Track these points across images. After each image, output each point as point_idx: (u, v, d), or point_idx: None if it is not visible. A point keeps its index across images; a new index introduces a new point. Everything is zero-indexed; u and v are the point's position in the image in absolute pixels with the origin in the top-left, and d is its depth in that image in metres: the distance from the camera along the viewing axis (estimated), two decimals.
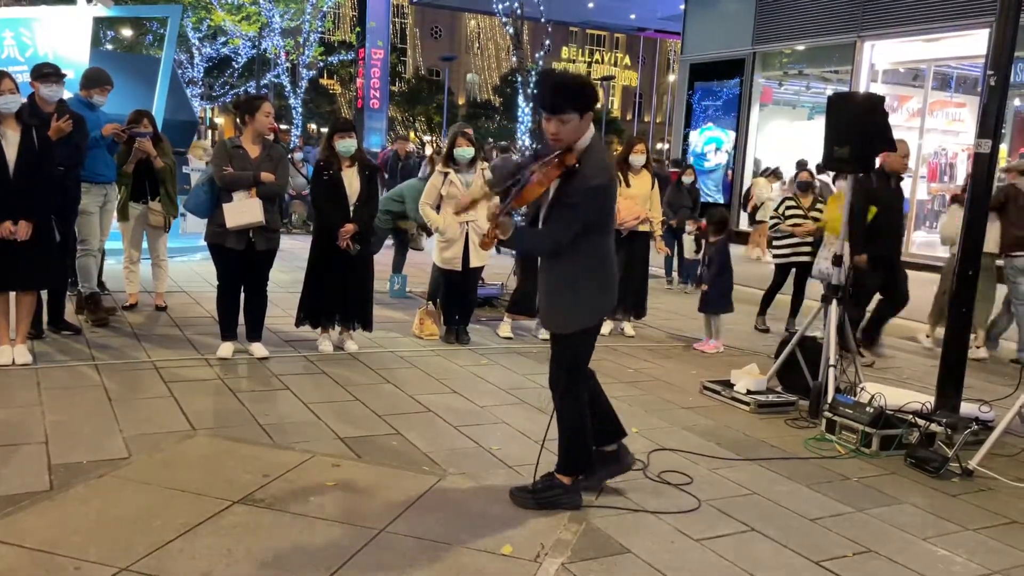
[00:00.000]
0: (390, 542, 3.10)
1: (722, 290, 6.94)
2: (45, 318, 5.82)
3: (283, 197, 9.63)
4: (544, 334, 6.91)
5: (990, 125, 4.75)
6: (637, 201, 6.93)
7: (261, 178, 5.38)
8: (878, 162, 5.90)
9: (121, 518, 3.14)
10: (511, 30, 8.52)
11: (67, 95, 6.28)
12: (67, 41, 9.19)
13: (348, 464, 3.86)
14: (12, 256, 4.97)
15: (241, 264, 5.52)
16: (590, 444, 3.61)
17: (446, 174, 6.44)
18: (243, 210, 5.38)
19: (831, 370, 5.09)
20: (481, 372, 5.75)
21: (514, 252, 8.03)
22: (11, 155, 4.94)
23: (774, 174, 14.51)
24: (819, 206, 7.72)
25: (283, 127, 28.51)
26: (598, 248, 3.44)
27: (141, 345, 5.81)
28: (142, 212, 6.88)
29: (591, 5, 23.58)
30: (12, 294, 5.17)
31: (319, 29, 26.32)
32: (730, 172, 17.02)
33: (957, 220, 7.30)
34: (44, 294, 5.68)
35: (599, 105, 4.05)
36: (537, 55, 9.14)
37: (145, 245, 7.13)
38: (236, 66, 28.55)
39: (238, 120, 5.84)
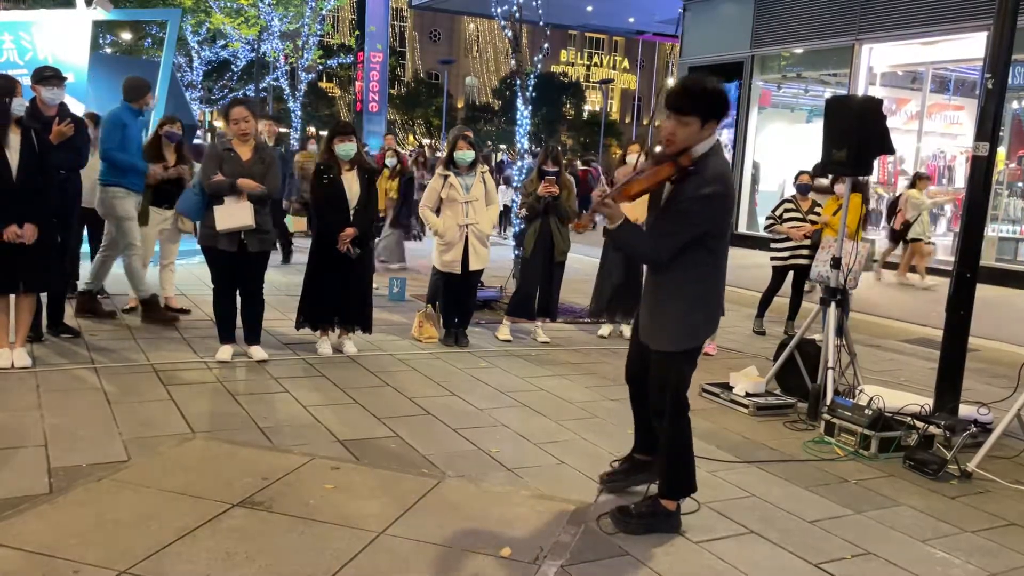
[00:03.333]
0: (389, 545, 3.10)
1: None
2: (44, 321, 5.82)
3: (279, 200, 9.66)
4: (544, 336, 6.92)
5: (988, 128, 4.77)
6: (640, 204, 6.91)
7: (239, 185, 5.36)
8: None
9: (120, 521, 3.14)
10: (509, 33, 8.50)
11: (69, 100, 6.29)
12: (66, 44, 9.21)
13: (347, 467, 3.86)
14: (12, 259, 4.98)
15: (234, 266, 5.52)
16: (693, 466, 3.48)
17: (446, 177, 6.45)
18: (233, 213, 5.39)
19: (830, 372, 5.10)
20: (480, 375, 5.75)
21: (516, 253, 8.04)
22: (14, 159, 4.95)
23: (922, 178, 12.04)
24: (817, 209, 7.74)
25: (282, 130, 28.47)
26: (714, 257, 3.27)
27: (140, 348, 5.81)
28: (167, 218, 6.87)
29: (589, 8, 23.58)
30: (11, 297, 5.17)
31: (318, 32, 26.33)
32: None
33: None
34: (43, 297, 5.68)
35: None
36: (536, 58, 9.12)
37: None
38: (235, 69, 28.57)
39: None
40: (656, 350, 3.38)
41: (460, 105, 53.42)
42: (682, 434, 3.45)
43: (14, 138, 4.97)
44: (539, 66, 10.04)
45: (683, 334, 3.32)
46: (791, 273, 7.86)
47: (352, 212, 5.75)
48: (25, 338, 5.26)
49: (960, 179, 14.75)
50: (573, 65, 61.17)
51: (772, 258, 8.03)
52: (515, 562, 3.04)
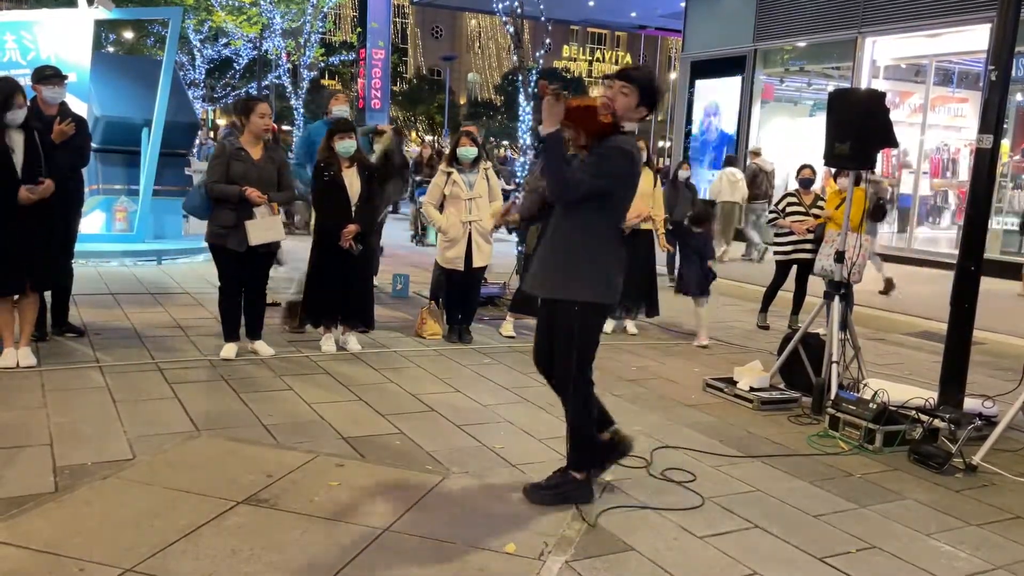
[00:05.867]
0: (394, 542, 3.11)
1: (701, 275, 6.97)
2: (49, 320, 5.83)
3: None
4: None
5: (991, 120, 4.75)
6: (640, 199, 6.91)
7: (247, 195, 5.34)
8: None
9: (125, 519, 3.15)
10: (511, 29, 8.51)
11: (65, 98, 6.27)
12: (68, 44, 9.21)
13: (351, 464, 3.86)
14: (16, 258, 4.98)
15: (242, 264, 5.53)
16: (597, 438, 3.61)
17: (449, 173, 6.44)
18: (267, 228, 5.46)
19: (834, 367, 5.09)
20: (484, 371, 5.76)
21: (519, 250, 8.04)
22: (18, 161, 4.95)
23: None
24: (820, 203, 7.72)
25: (284, 128, 28.48)
26: (610, 230, 3.46)
27: (144, 346, 5.82)
28: None
29: (591, 3, 23.51)
30: (16, 296, 5.18)
31: (320, 30, 26.33)
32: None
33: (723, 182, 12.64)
34: (47, 296, 5.69)
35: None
36: (537, 54, 9.15)
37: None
38: (237, 67, 28.58)
39: (237, 121, 5.86)
40: (570, 300, 3.41)
41: (462, 101, 53.41)
42: (585, 404, 3.51)
43: (18, 139, 4.98)
44: (541, 62, 10.03)
45: (602, 286, 3.43)
46: (795, 267, 7.84)
47: (353, 209, 5.75)
48: (30, 337, 5.27)
49: (964, 172, 14.71)
50: (575, 60, 61.07)
51: (775, 252, 8.01)
52: (520, 558, 3.04)
